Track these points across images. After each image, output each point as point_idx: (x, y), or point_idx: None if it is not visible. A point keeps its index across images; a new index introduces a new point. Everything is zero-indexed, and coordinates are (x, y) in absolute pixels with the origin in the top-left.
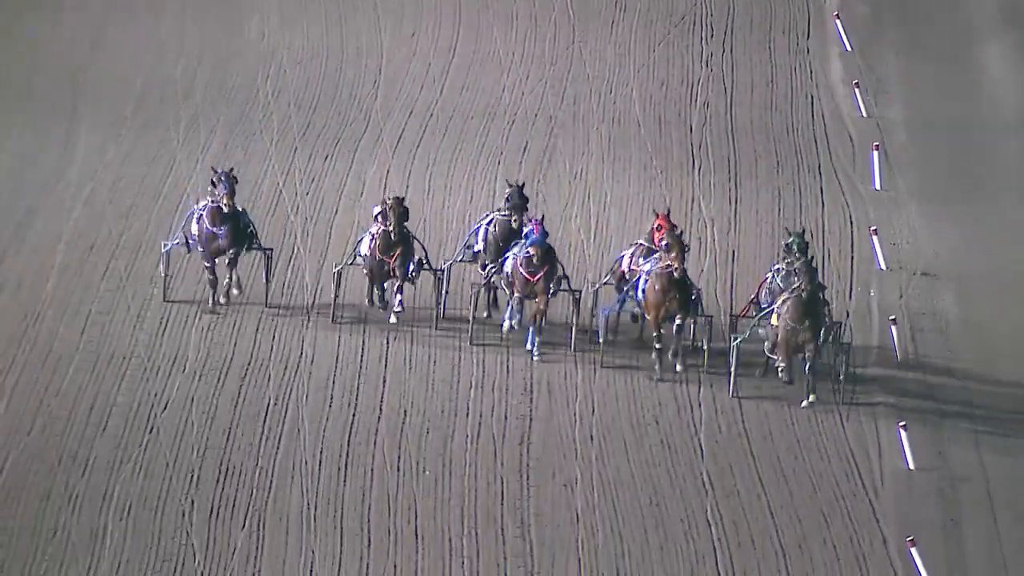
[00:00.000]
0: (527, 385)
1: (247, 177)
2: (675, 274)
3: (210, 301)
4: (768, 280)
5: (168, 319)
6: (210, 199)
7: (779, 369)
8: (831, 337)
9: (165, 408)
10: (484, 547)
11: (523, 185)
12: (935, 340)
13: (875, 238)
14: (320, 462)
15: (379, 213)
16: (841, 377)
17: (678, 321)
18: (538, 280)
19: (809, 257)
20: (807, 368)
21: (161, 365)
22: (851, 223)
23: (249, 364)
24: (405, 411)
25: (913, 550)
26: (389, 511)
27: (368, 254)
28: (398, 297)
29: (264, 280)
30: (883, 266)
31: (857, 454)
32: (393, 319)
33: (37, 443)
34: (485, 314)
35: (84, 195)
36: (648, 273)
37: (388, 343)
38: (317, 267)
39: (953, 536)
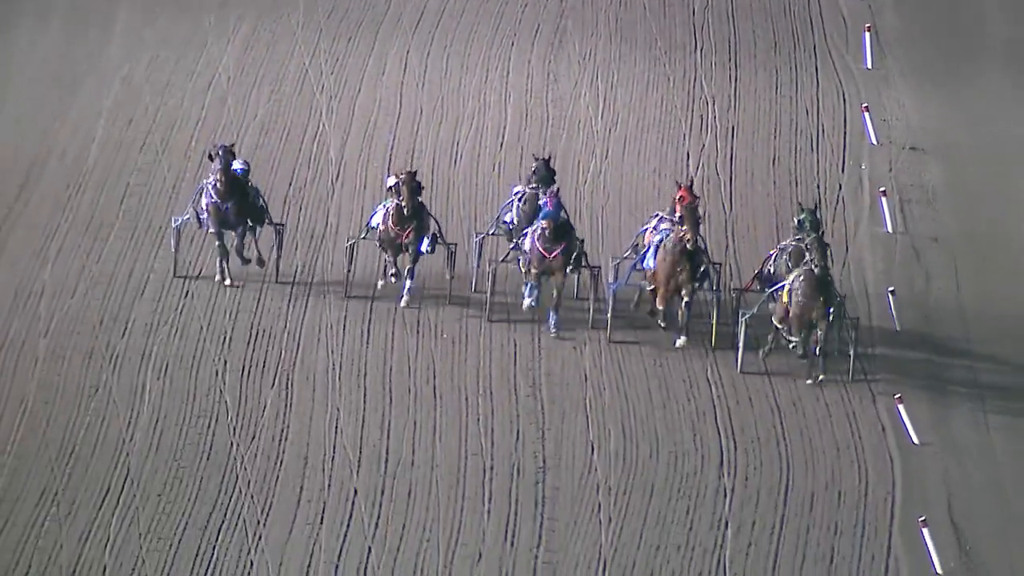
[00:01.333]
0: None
1: (275, 57)
2: (688, 246)
3: (218, 275)
4: (773, 257)
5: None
6: (213, 175)
7: (791, 344)
8: (841, 312)
9: (199, 274)
10: (498, 405)
11: (550, 158)
12: (922, 211)
13: (866, 115)
14: (344, 326)
15: (392, 186)
16: (851, 352)
17: (685, 297)
18: (555, 257)
19: (820, 233)
20: (817, 347)
21: (196, 234)
22: (844, 100)
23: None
24: (424, 281)
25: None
26: (409, 371)
27: (382, 226)
28: (407, 283)
29: (275, 256)
30: (874, 141)
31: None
32: (403, 303)
33: (80, 305)
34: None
35: (123, 73)
36: (659, 244)
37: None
38: (340, 143)
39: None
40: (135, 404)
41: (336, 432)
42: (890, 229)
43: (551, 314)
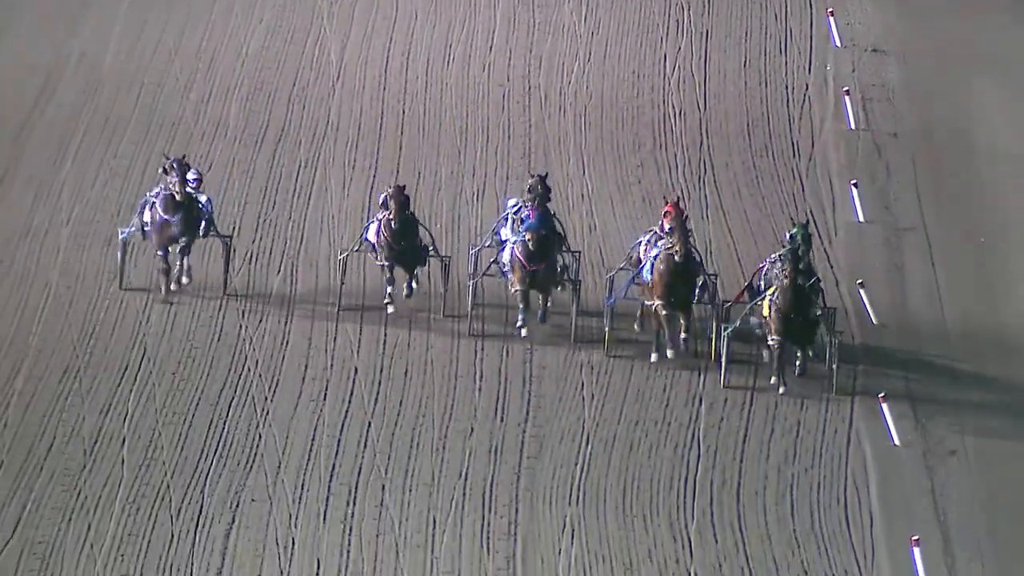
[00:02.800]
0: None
1: None
2: (676, 257)
3: (162, 290)
4: (764, 269)
5: (211, 92)
6: (162, 186)
7: (770, 349)
8: (826, 324)
9: (210, 168)
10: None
11: (546, 175)
12: (883, 108)
13: (831, 19)
14: (345, 215)
15: (383, 201)
16: (834, 366)
17: (680, 313)
18: (536, 271)
19: (808, 248)
20: (797, 361)
21: (206, 130)
22: (810, 5)
23: (283, 130)
24: (419, 172)
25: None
26: None
27: (376, 240)
28: (412, 284)
29: (223, 270)
30: (838, 43)
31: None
32: (399, 301)
33: (99, 195)
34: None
35: None
36: (655, 258)
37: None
38: (340, 47)
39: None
40: (150, 291)
41: (338, 317)
42: (853, 126)
43: (539, 315)
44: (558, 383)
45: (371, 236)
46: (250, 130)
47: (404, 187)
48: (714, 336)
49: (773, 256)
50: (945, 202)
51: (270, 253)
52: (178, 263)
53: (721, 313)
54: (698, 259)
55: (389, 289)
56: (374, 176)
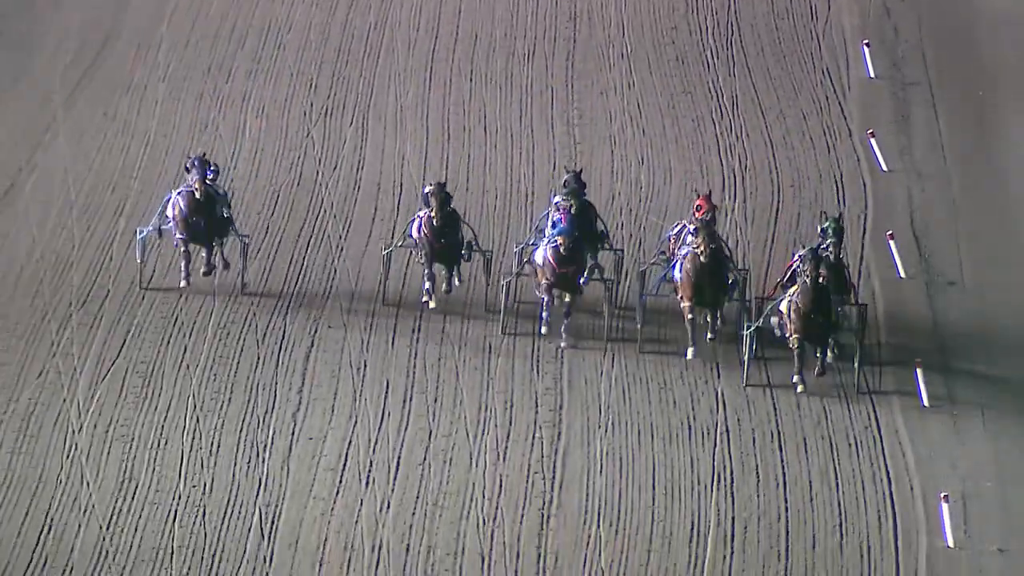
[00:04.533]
0: None
1: None
2: (702, 258)
3: (182, 275)
4: (795, 263)
5: None
6: (184, 186)
7: (793, 348)
8: (856, 317)
9: (290, 29)
10: (538, 140)
11: (581, 171)
12: None
13: None
14: (410, 72)
15: (424, 196)
16: (856, 364)
17: (707, 312)
18: (566, 272)
19: (839, 240)
20: (818, 353)
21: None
22: None
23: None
24: (476, 34)
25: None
26: (464, 113)
27: (417, 235)
28: (454, 281)
29: (240, 267)
30: None
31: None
32: (435, 301)
33: (193, 54)
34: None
35: None
36: (684, 256)
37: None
38: None
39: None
40: (238, 139)
41: (403, 162)
42: None
43: (564, 322)
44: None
45: (413, 232)
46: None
47: (445, 183)
48: (745, 333)
49: (802, 251)
50: (947, 60)
51: (343, 107)
52: (209, 259)
53: (752, 309)
54: (728, 254)
55: (428, 285)
56: (436, 38)
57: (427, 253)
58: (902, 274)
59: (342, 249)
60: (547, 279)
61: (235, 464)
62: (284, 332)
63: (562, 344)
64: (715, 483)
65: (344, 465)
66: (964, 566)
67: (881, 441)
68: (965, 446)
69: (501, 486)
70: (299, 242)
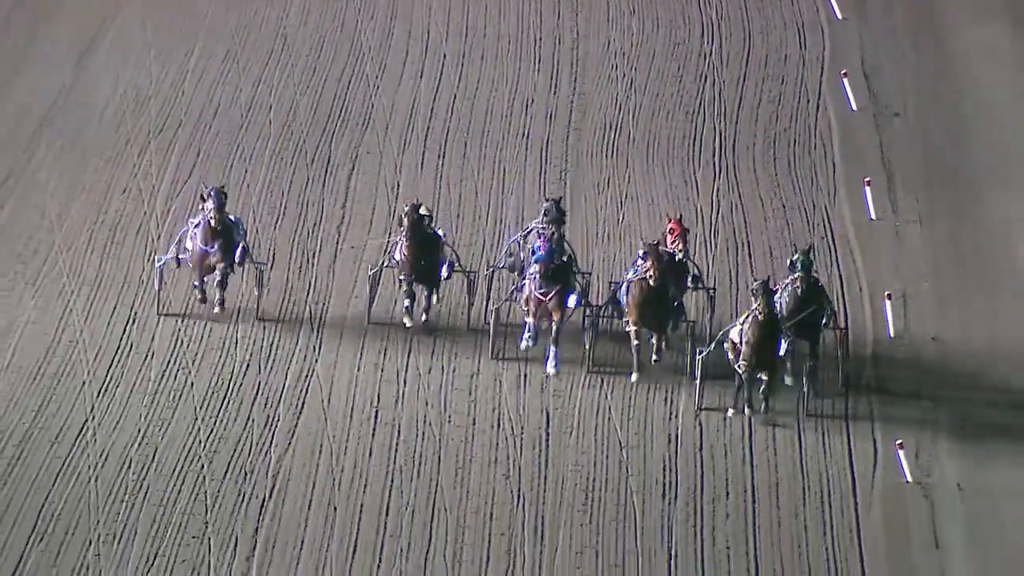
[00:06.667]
0: None
1: None
2: (651, 282)
3: (198, 297)
4: (776, 294)
5: None
6: (202, 216)
7: (741, 376)
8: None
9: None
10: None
11: (560, 199)
12: None
13: None
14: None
15: (400, 219)
16: (806, 390)
17: (652, 338)
18: (550, 299)
19: (808, 274)
20: (763, 389)
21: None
22: None
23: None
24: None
25: None
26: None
27: (398, 256)
28: (425, 306)
29: (257, 294)
30: None
31: None
32: (411, 322)
33: None
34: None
35: None
36: (630, 281)
37: None
38: None
39: None
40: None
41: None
42: None
43: (549, 350)
44: (597, 68)
45: (396, 254)
46: None
47: (420, 204)
48: (689, 356)
49: (785, 280)
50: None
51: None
52: (216, 295)
53: (693, 332)
54: (696, 273)
55: (407, 303)
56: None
57: (406, 273)
58: (854, 107)
59: (377, 88)
60: (532, 313)
61: (288, 269)
62: (329, 156)
63: (551, 371)
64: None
65: (381, 271)
66: (904, 353)
67: (835, 251)
68: (905, 252)
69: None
70: (341, 80)
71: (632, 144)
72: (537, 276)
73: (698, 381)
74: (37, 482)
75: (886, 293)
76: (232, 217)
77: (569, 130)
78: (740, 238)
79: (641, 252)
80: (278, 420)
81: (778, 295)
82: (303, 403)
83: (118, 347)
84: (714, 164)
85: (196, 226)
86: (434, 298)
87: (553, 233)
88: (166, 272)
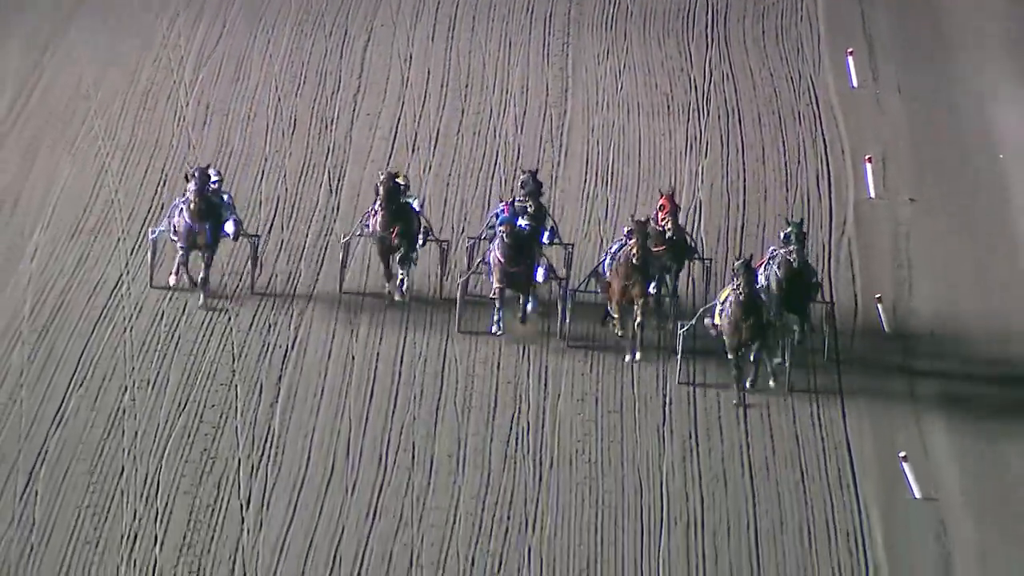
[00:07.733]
0: None
1: None
2: (634, 260)
3: (177, 278)
4: (761, 267)
5: None
6: (187, 195)
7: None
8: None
9: None
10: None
11: (537, 171)
12: None
13: None
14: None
15: (376, 188)
16: (787, 363)
17: (638, 314)
18: (516, 272)
19: (800, 246)
20: (752, 358)
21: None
22: None
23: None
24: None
25: None
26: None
27: (371, 227)
28: (400, 278)
29: (251, 267)
30: None
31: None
32: (397, 297)
33: None
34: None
35: None
36: (612, 255)
37: None
38: None
39: None
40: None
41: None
42: None
43: (526, 304)
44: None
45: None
46: None
47: (396, 173)
48: (669, 328)
49: (773, 249)
50: None
51: None
52: (201, 272)
53: (675, 305)
54: (691, 244)
55: (387, 282)
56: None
57: (377, 244)
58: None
59: None
60: (497, 280)
61: (308, 134)
62: (346, 30)
63: (530, 311)
64: (688, 153)
65: (394, 136)
66: (882, 213)
67: (820, 117)
68: (885, 118)
69: (519, 153)
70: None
71: (630, 17)
72: (504, 237)
73: (679, 357)
74: (77, 330)
75: (867, 156)
76: (224, 196)
77: (571, 4)
78: (731, 106)
79: (626, 230)
80: (299, 275)
81: (764, 268)
82: (323, 260)
83: (150, 207)
84: (707, 36)
85: (184, 201)
86: (406, 276)
87: (529, 205)
88: (159, 244)
